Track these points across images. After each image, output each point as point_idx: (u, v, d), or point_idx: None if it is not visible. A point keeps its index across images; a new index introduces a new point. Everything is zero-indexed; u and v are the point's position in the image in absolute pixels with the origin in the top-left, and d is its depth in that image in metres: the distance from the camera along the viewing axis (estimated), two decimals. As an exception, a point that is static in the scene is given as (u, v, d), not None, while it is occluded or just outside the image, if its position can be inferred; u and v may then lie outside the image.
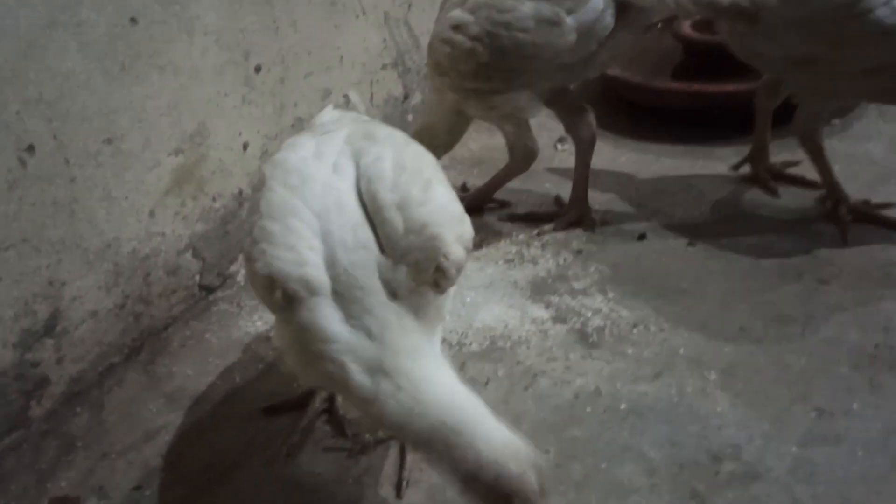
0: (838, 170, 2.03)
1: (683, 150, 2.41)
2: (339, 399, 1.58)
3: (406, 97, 2.57)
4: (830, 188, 2.00)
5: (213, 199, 1.95)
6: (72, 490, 1.48)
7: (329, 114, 1.59)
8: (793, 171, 2.20)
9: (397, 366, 1.16)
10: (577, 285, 1.89)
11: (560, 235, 2.08)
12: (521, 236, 2.09)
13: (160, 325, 1.86)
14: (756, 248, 1.94)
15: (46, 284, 1.59)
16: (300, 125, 2.09)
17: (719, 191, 2.20)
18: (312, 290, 1.20)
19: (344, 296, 1.20)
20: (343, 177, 1.31)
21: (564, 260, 1.99)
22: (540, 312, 1.81)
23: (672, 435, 1.47)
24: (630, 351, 1.68)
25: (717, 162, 2.33)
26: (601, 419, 1.52)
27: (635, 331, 1.73)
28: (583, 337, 1.73)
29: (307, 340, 1.20)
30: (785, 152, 2.23)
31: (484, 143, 2.48)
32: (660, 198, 2.20)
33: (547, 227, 2.10)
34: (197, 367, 1.75)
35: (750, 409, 1.50)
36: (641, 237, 2.04)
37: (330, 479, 1.45)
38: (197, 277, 1.94)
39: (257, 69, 1.98)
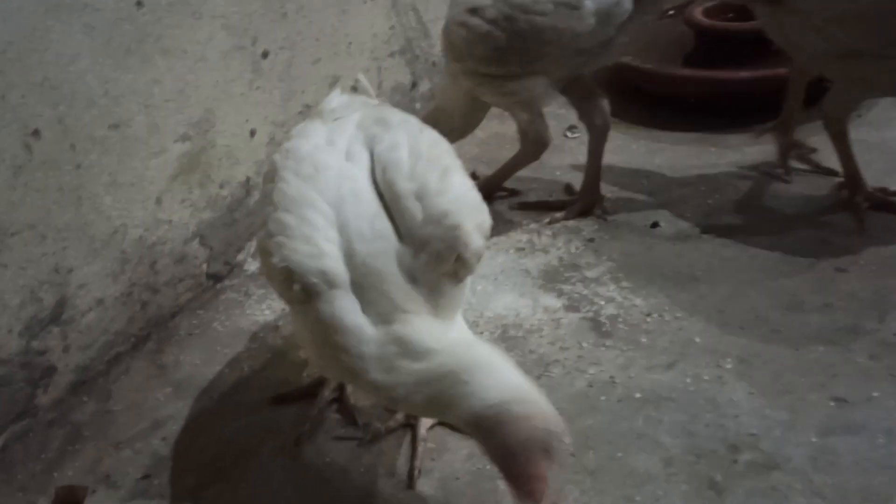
0: (853, 157, 2.00)
1: (696, 137, 2.38)
2: (350, 388, 1.56)
3: (414, 85, 2.55)
4: (850, 175, 1.97)
5: (221, 187, 1.92)
6: (79, 479, 1.46)
7: (337, 99, 1.55)
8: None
9: (419, 355, 1.14)
10: (589, 274, 1.87)
11: (571, 224, 2.05)
12: (532, 225, 2.07)
13: (167, 313, 1.84)
14: (771, 236, 1.92)
15: (52, 272, 1.57)
16: (308, 113, 2.06)
17: (732, 179, 2.17)
18: (331, 283, 1.18)
19: (363, 287, 1.18)
20: (357, 164, 1.28)
21: (576, 248, 1.96)
22: (552, 301, 1.79)
23: (688, 424, 1.44)
24: (644, 339, 1.65)
25: (730, 150, 2.30)
26: (616, 408, 1.50)
27: (649, 319, 1.70)
28: (596, 326, 1.70)
29: (327, 334, 1.18)
30: (811, 136, 2.20)
31: (494, 130, 2.45)
32: (672, 186, 2.17)
33: (558, 215, 2.07)
34: (204, 356, 1.73)
35: (767, 398, 1.48)
36: (654, 225, 2.01)
37: (341, 468, 1.43)
38: (204, 266, 1.92)
39: (265, 55, 1.96)
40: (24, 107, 1.46)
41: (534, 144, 2.02)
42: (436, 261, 1.18)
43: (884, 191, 1.97)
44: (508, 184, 2.19)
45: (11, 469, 1.49)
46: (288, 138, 1.40)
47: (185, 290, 1.88)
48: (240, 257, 2.01)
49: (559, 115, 2.46)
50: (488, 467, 1.39)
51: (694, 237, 1.96)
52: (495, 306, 1.78)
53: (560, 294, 1.81)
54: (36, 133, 1.49)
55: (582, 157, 2.12)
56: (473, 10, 1.83)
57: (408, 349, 1.15)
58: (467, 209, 1.23)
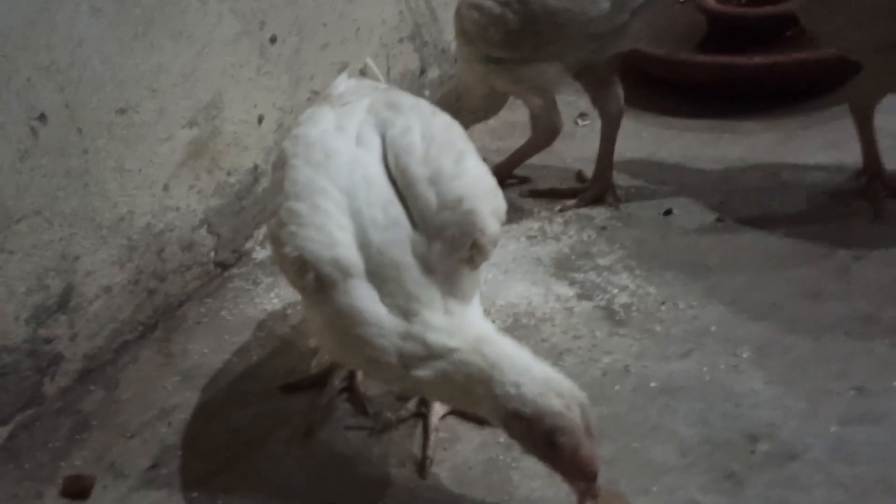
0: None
1: (708, 124, 2.34)
2: (360, 376, 1.53)
3: (423, 71, 2.52)
4: (870, 161, 1.92)
5: (228, 174, 1.90)
6: (86, 468, 1.44)
7: (345, 83, 1.52)
8: None
9: (439, 353, 1.13)
10: (601, 262, 1.84)
11: (583, 211, 2.03)
12: (544, 213, 2.04)
13: (175, 301, 1.82)
14: (787, 224, 1.88)
15: (59, 258, 1.55)
16: (316, 99, 2.03)
17: (747, 166, 2.14)
18: (346, 272, 1.16)
19: (378, 276, 1.16)
20: (368, 150, 1.26)
21: (588, 236, 1.94)
22: (564, 289, 1.76)
23: (705, 414, 1.42)
24: (658, 328, 1.63)
25: (744, 136, 2.27)
26: (630, 398, 1.47)
27: (663, 307, 1.68)
28: (609, 314, 1.68)
29: (346, 325, 1.16)
30: (827, 122, 2.18)
31: (504, 118, 2.41)
32: (685, 173, 2.14)
33: (569, 202, 2.04)
34: (213, 345, 1.71)
35: (785, 388, 1.45)
36: (667, 213, 1.98)
37: (351, 458, 1.41)
38: (212, 254, 1.90)
39: (272, 40, 1.93)
40: (30, 90, 1.44)
41: (546, 131, 1.99)
42: (451, 247, 1.16)
43: (902, 178, 1.94)
44: (519, 171, 2.17)
45: (18, 458, 1.48)
46: (296, 124, 1.38)
47: (192, 278, 1.85)
48: (248, 245, 1.99)
49: (569, 101, 2.42)
50: (501, 457, 1.37)
51: (708, 225, 1.93)
52: (507, 295, 1.76)
53: (572, 282, 1.78)
54: (42, 117, 1.47)
55: (593, 144, 2.09)
56: None
57: (427, 347, 1.13)
58: (482, 193, 1.21)
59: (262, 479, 1.39)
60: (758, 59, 2.34)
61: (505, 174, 2.15)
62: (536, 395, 1.07)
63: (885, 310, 1.60)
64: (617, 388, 1.50)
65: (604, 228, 1.96)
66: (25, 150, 1.45)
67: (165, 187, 1.75)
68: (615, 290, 1.74)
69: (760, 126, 2.27)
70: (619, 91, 1.97)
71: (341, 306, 1.16)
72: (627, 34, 1.87)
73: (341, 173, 1.22)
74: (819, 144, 2.18)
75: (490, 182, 1.25)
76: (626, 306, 1.69)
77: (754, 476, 1.30)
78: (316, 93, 2.06)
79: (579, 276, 1.80)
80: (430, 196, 1.18)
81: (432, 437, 1.40)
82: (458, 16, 1.89)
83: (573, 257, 1.87)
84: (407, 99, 1.38)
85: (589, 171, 2.12)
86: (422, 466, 1.37)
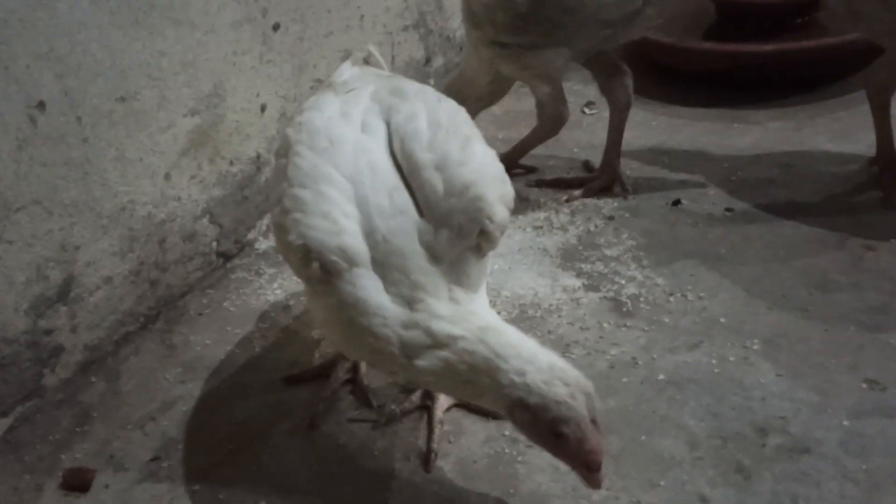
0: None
1: (717, 113, 2.32)
2: (364, 368, 1.51)
3: (428, 60, 2.49)
4: (884, 149, 1.90)
5: (231, 163, 1.88)
6: (87, 461, 1.43)
7: (348, 71, 1.50)
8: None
9: (444, 343, 1.11)
10: (609, 252, 1.82)
11: (590, 202, 2.00)
12: (550, 203, 2.02)
13: (177, 292, 1.80)
14: (797, 214, 1.86)
15: (59, 249, 1.53)
16: (320, 87, 2.01)
17: (756, 155, 2.11)
18: (351, 261, 1.14)
19: (384, 264, 1.14)
20: (374, 136, 1.24)
21: (595, 227, 1.91)
22: (571, 280, 1.74)
23: (714, 406, 1.40)
24: (667, 320, 1.60)
25: (753, 125, 2.24)
26: (638, 390, 1.45)
27: (672, 299, 1.65)
28: (617, 305, 1.65)
29: (351, 315, 1.15)
30: (838, 111, 2.15)
31: (509, 106, 2.39)
32: (694, 163, 2.12)
33: (576, 192, 2.02)
34: (215, 336, 1.69)
35: (796, 380, 1.43)
36: (676, 203, 1.96)
37: (355, 451, 1.39)
38: (214, 244, 1.88)
39: (275, 27, 1.90)
40: (29, 78, 1.42)
41: (552, 120, 1.97)
42: (458, 235, 1.14)
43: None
44: (525, 161, 2.14)
45: (19, 450, 1.46)
46: (300, 111, 1.35)
47: (194, 268, 1.83)
48: (250, 235, 1.97)
49: (576, 90, 2.40)
50: (507, 450, 1.35)
51: (717, 215, 1.90)
52: (513, 286, 1.74)
53: (579, 273, 1.76)
54: (41, 105, 1.45)
55: (600, 133, 2.07)
56: None
57: (431, 336, 1.11)
58: (490, 180, 1.18)
59: (265, 472, 1.37)
60: (767, 48, 2.31)
61: (511, 164, 2.12)
62: (541, 384, 1.06)
63: (897, 301, 1.58)
64: (625, 380, 1.47)
65: (611, 219, 1.93)
66: (24, 138, 1.43)
67: (167, 177, 1.73)
68: (623, 281, 1.72)
69: (770, 115, 2.24)
70: (629, 80, 1.94)
71: (345, 296, 1.14)
72: (640, 22, 1.83)
73: (346, 160, 1.20)
74: (829, 134, 2.16)
75: (497, 168, 1.23)
76: (634, 297, 1.67)
77: (764, 470, 1.28)
78: (319, 81, 2.03)
79: (586, 267, 1.77)
80: (436, 182, 1.16)
81: (437, 429, 1.38)
82: (466, -1, 1.86)
83: (580, 248, 1.84)
84: (412, 85, 1.36)
85: (596, 161, 2.09)
86: (426, 460, 1.35)
